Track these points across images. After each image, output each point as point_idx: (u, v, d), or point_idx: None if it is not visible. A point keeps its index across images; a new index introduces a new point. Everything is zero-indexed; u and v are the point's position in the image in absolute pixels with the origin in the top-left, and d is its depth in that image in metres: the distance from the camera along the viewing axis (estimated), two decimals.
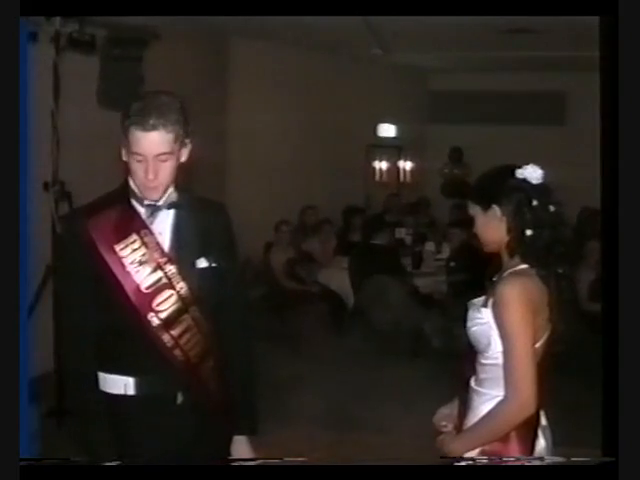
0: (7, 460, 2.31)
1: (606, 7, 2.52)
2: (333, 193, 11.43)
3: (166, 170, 2.73)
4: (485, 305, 2.75)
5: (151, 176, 2.70)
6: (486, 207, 2.79)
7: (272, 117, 11.04)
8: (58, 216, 5.75)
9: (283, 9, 2.82)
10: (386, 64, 12.57)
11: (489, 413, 2.75)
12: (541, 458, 2.67)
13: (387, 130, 13.66)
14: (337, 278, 9.18)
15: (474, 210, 2.86)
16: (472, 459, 2.69)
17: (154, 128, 2.65)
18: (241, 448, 2.97)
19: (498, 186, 2.78)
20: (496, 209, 2.76)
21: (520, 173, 2.76)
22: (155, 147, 2.67)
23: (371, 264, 8.61)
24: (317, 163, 11.68)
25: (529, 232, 2.73)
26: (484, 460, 2.68)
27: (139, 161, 2.70)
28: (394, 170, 13.89)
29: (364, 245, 9.11)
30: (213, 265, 2.87)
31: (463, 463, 2.66)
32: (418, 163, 13.95)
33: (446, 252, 9.60)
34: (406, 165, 13.98)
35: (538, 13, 2.76)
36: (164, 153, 2.69)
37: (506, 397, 2.69)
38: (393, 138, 13.80)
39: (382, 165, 13.73)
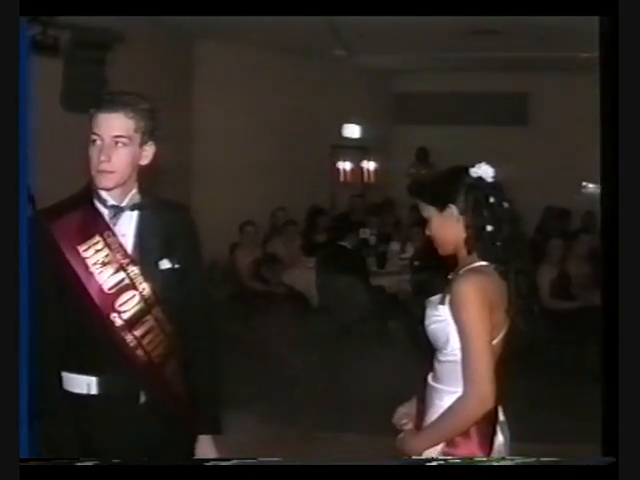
0: (7, 460, 2.32)
1: (606, 7, 2.52)
2: (298, 194, 11.44)
3: (120, 157, 2.75)
4: (442, 302, 2.75)
5: (104, 157, 2.72)
6: (442, 207, 2.80)
7: (237, 118, 11.06)
8: None
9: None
10: (350, 65, 12.60)
11: (448, 409, 2.75)
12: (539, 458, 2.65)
13: (352, 131, 13.71)
14: (302, 278, 9.21)
15: (429, 212, 2.86)
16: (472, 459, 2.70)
17: (114, 110, 2.72)
18: (205, 448, 2.97)
19: (454, 186, 2.79)
20: (453, 208, 2.78)
21: (475, 172, 2.79)
22: (113, 128, 2.72)
23: (336, 264, 8.64)
24: (282, 164, 11.69)
25: (488, 228, 2.76)
26: (483, 460, 2.69)
27: (95, 142, 2.73)
28: (359, 171, 13.96)
29: (330, 245, 9.14)
30: (176, 266, 2.89)
31: (458, 461, 2.66)
32: (383, 164, 14.00)
33: (410, 252, 9.65)
34: (370, 166, 14.04)
35: (537, 13, 2.78)
36: (121, 136, 2.73)
37: (465, 393, 2.69)
38: (358, 139, 13.84)
39: (347, 166, 13.79)
